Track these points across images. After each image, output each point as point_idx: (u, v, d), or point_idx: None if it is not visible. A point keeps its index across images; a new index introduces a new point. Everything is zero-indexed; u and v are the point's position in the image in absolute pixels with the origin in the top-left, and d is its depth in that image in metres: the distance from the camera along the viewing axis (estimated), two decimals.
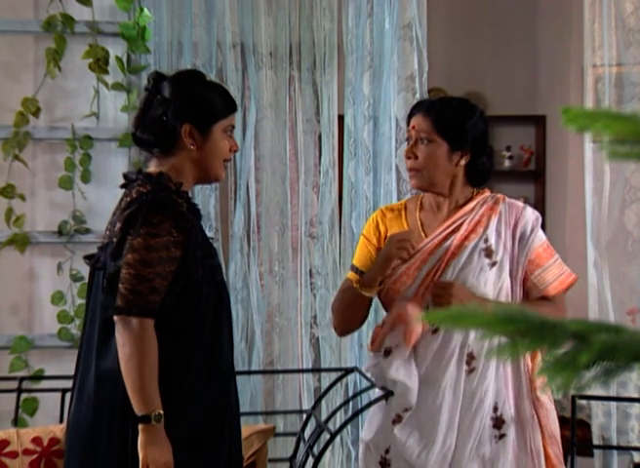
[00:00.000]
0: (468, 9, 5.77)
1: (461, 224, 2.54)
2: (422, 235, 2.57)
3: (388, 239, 2.53)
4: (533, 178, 5.89)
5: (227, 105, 2.35)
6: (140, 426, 2.13)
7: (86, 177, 3.63)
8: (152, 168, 2.32)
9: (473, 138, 2.54)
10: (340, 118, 3.94)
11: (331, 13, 3.93)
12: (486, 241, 2.52)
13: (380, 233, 2.62)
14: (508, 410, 2.49)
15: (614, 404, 3.59)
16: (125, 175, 2.38)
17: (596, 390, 2.65)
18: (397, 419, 2.49)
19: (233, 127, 2.38)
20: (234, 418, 2.33)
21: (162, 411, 2.13)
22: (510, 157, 5.79)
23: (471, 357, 2.48)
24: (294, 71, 3.96)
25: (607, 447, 3.62)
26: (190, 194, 2.43)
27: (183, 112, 2.27)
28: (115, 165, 3.69)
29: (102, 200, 3.68)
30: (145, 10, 3.63)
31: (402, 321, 2.48)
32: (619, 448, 3.62)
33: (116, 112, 3.67)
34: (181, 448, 2.19)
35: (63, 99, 3.68)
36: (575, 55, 4.91)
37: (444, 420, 2.46)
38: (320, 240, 3.91)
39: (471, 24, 5.76)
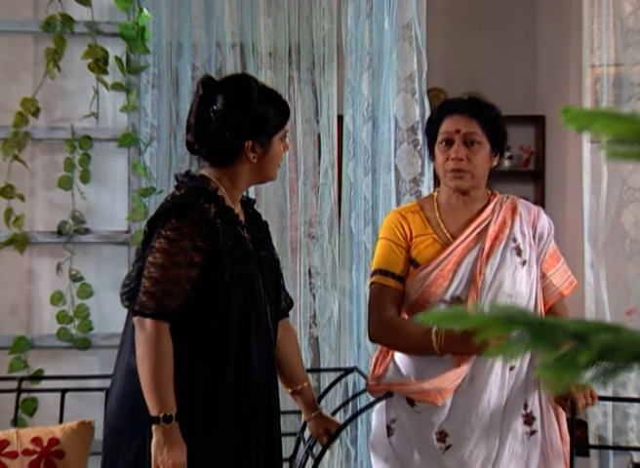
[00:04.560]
0: (468, 9, 5.77)
1: (488, 225, 2.56)
2: (447, 235, 2.57)
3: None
4: (532, 179, 5.89)
5: (284, 115, 2.38)
6: (152, 426, 2.16)
7: (85, 178, 3.63)
8: (204, 171, 2.35)
9: (504, 139, 2.62)
10: (340, 118, 3.94)
11: (330, 13, 3.93)
12: (514, 240, 2.56)
13: (406, 235, 2.59)
14: (537, 407, 2.53)
15: (610, 403, 3.59)
16: (175, 177, 2.42)
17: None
18: (441, 437, 2.49)
19: (287, 131, 2.42)
20: (259, 429, 2.33)
21: (174, 413, 2.15)
22: (510, 157, 5.79)
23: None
24: (293, 71, 3.96)
25: (603, 447, 3.62)
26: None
27: (246, 130, 2.29)
28: (114, 165, 3.69)
29: (102, 200, 3.68)
30: (145, 10, 3.63)
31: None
32: (614, 447, 3.63)
33: (115, 112, 3.67)
34: (203, 453, 2.22)
35: (63, 100, 3.68)
36: (574, 55, 4.91)
37: (487, 419, 2.47)
38: (319, 240, 3.91)
39: (471, 24, 5.77)
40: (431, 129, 2.61)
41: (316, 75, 3.96)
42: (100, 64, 3.59)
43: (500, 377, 2.49)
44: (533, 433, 2.52)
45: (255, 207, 2.54)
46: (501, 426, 2.49)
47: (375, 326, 2.57)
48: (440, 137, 2.56)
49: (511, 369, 2.51)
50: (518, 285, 2.52)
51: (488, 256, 2.52)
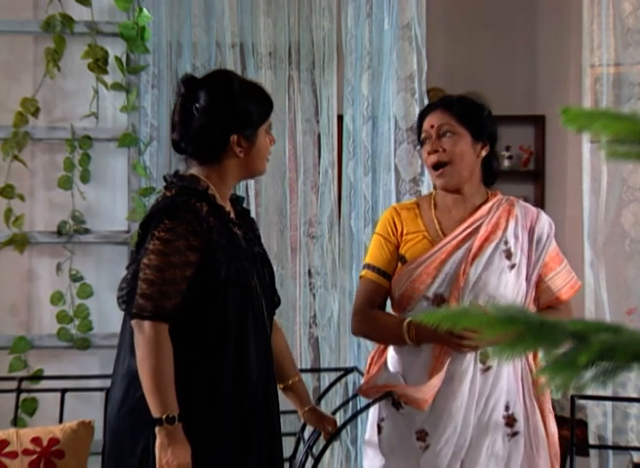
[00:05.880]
0: (468, 9, 5.77)
1: (480, 225, 2.55)
2: (440, 234, 2.58)
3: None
4: (532, 178, 5.89)
5: (267, 107, 2.39)
6: (156, 428, 2.16)
7: (85, 178, 3.63)
8: (193, 170, 2.35)
9: (490, 133, 2.60)
10: (340, 118, 3.94)
11: (330, 13, 3.93)
12: (506, 243, 2.55)
13: (397, 231, 2.62)
14: (520, 409, 2.52)
15: (610, 403, 3.59)
16: (164, 178, 2.42)
17: (595, 390, 2.65)
18: (421, 436, 2.51)
19: (271, 123, 2.42)
20: (259, 428, 2.33)
21: (176, 414, 2.15)
22: (510, 157, 5.79)
23: (486, 355, 2.49)
24: (293, 71, 3.96)
25: (602, 446, 3.62)
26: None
27: (230, 124, 2.30)
28: (114, 165, 3.69)
29: (102, 200, 3.68)
30: (144, 10, 3.63)
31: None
32: (614, 447, 3.63)
33: (115, 112, 3.67)
34: (204, 453, 2.22)
35: (63, 100, 3.68)
36: (574, 55, 4.91)
37: (459, 418, 2.48)
38: (319, 240, 3.91)
39: (470, 24, 5.76)
40: (418, 133, 2.66)
41: (316, 75, 3.96)
42: (99, 64, 3.59)
43: (474, 377, 2.49)
44: (514, 434, 2.51)
45: (244, 205, 2.54)
46: (478, 426, 2.49)
47: (355, 319, 2.64)
48: (422, 138, 2.62)
49: (488, 369, 2.50)
50: (503, 288, 2.51)
51: (474, 257, 2.51)
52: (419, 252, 2.56)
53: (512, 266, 2.53)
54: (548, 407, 2.58)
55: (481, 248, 2.52)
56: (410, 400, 2.49)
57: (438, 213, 2.62)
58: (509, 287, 2.52)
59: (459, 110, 2.56)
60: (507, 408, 2.52)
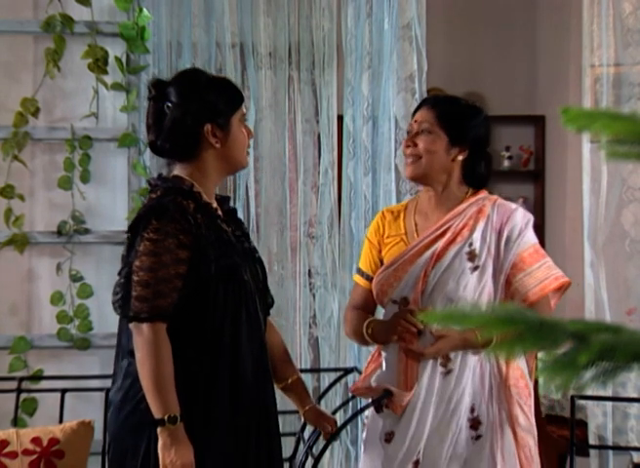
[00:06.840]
0: (468, 9, 5.77)
1: (449, 228, 2.54)
2: (416, 236, 2.58)
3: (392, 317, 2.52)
4: (532, 178, 5.89)
5: (237, 95, 2.42)
6: (158, 429, 2.16)
7: (85, 178, 3.63)
8: (176, 171, 2.37)
9: (473, 138, 2.57)
10: (340, 118, 3.94)
11: (330, 13, 3.93)
12: (470, 245, 2.52)
13: (378, 234, 2.64)
14: (485, 412, 2.50)
15: (610, 403, 3.59)
16: (148, 182, 2.44)
17: (595, 390, 2.64)
18: (389, 438, 2.54)
19: (244, 114, 2.43)
20: (256, 425, 2.33)
21: (178, 414, 2.16)
22: (510, 157, 5.79)
23: (447, 359, 2.49)
24: (293, 71, 3.96)
25: (603, 447, 3.62)
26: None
27: (202, 113, 2.32)
28: (114, 165, 3.69)
29: (102, 200, 3.68)
30: (144, 10, 3.63)
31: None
32: (614, 447, 3.62)
33: (115, 112, 3.67)
34: (203, 451, 2.22)
35: (63, 100, 3.68)
36: (574, 55, 4.91)
37: (413, 421, 2.48)
38: (319, 240, 3.91)
39: (471, 24, 5.77)
40: None
41: (316, 75, 3.96)
42: (99, 64, 3.59)
43: (431, 380, 2.49)
44: (478, 437, 2.49)
45: (239, 205, 2.56)
46: (438, 428, 2.48)
47: (344, 321, 2.74)
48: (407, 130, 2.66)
49: (448, 373, 2.49)
50: (462, 290, 2.48)
51: (437, 260, 2.50)
52: (395, 254, 2.57)
53: (475, 268, 2.50)
54: (519, 410, 2.52)
55: (445, 250, 2.51)
56: (390, 401, 2.51)
57: (417, 215, 2.62)
58: (469, 289, 2.49)
59: (442, 112, 2.56)
60: (473, 410, 2.50)
